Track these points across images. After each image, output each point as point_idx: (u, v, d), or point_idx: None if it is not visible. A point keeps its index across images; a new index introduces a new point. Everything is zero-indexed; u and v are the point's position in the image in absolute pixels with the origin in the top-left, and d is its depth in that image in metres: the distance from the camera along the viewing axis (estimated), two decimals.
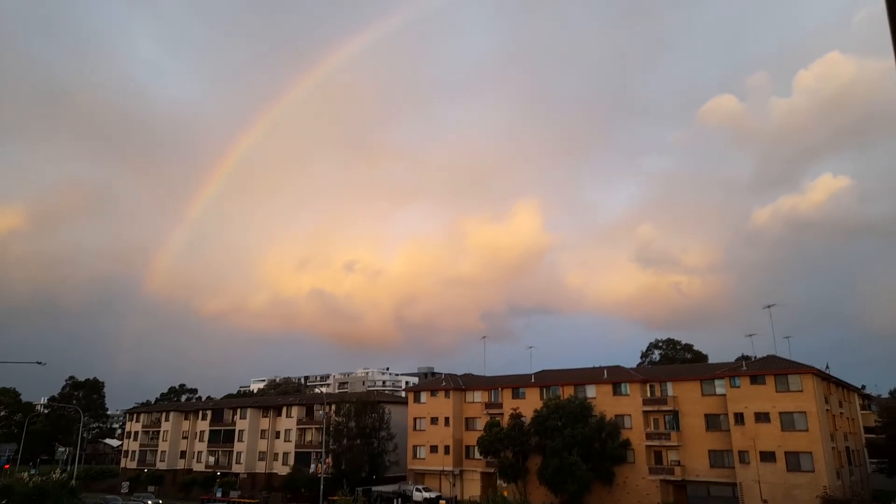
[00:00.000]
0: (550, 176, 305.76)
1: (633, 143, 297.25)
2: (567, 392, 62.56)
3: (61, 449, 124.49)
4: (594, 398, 60.69)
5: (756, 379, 52.42)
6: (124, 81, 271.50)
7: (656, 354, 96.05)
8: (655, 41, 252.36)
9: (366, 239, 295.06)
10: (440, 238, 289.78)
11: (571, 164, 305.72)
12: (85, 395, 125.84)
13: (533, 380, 66.70)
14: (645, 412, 58.13)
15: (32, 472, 50.85)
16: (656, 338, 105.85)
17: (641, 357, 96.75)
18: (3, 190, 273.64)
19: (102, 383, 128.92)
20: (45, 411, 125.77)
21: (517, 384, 67.25)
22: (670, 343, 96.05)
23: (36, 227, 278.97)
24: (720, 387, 54.97)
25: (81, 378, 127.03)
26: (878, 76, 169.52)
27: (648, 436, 57.24)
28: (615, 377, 61.60)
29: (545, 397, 63.09)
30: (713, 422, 54.83)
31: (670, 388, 57.97)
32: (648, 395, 58.93)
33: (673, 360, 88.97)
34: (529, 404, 63.08)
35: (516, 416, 61.40)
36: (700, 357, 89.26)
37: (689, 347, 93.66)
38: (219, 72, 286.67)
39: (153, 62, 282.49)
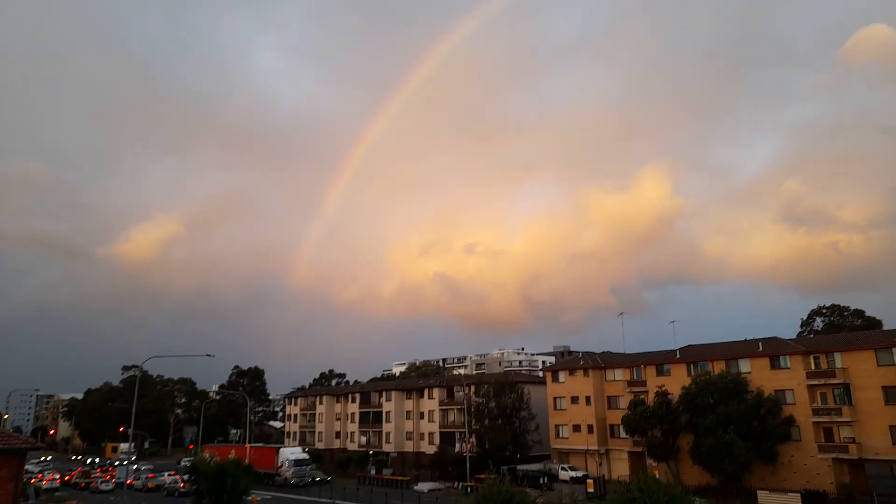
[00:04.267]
0: (676, 138, 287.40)
1: (767, 94, 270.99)
2: (717, 367, 58.72)
3: (233, 430, 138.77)
4: (749, 373, 56.45)
5: None
6: (255, 92, 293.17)
7: (818, 322, 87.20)
8: None
9: (485, 220, 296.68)
10: (561, 213, 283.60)
11: (699, 124, 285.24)
12: (249, 382, 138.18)
13: (678, 355, 63.39)
14: (810, 386, 53.03)
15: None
16: (815, 304, 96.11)
17: (802, 326, 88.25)
18: (163, 201, 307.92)
19: (263, 371, 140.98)
20: (217, 397, 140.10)
21: (661, 361, 64.26)
22: (835, 309, 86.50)
23: (192, 234, 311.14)
24: None
25: (245, 367, 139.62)
26: None
27: (815, 411, 52.17)
28: (772, 349, 56.74)
29: (693, 374, 59.73)
30: (893, 395, 48.76)
31: (839, 360, 52.34)
32: (813, 367, 53.66)
33: (839, 329, 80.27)
34: (675, 381, 60.02)
35: (662, 394, 58.69)
36: (872, 324, 79.61)
37: (859, 313, 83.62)
38: (338, 73, 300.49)
39: (278, 70, 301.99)
